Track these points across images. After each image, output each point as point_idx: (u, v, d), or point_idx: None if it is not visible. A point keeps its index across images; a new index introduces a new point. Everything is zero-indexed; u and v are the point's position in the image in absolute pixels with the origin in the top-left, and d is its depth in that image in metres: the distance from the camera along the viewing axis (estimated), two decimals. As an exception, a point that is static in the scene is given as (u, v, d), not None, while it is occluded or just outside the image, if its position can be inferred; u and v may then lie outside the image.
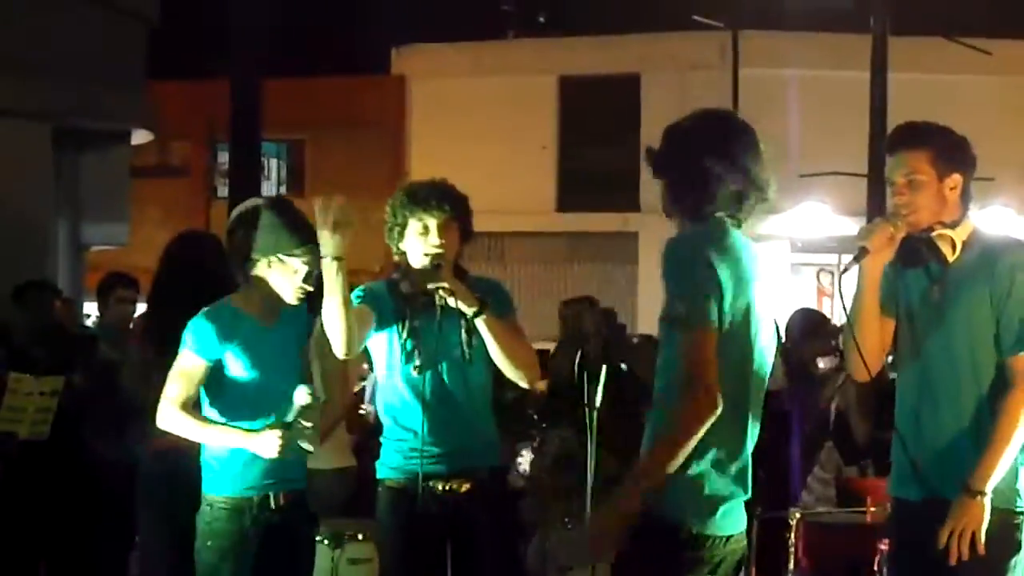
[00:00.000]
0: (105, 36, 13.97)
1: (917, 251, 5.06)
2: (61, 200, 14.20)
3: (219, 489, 5.86)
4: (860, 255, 5.00)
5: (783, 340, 8.96)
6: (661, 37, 29.25)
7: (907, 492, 5.11)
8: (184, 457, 6.16)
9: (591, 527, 5.00)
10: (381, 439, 5.88)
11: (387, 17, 29.87)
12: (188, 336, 5.82)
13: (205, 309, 5.89)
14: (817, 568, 7.85)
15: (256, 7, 15.10)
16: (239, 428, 5.76)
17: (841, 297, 5.21)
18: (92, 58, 13.64)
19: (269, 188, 26.87)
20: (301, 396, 5.67)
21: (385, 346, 5.78)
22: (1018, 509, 4.93)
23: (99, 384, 8.51)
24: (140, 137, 15.72)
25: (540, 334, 11.60)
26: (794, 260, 28.92)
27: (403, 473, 5.72)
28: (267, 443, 5.66)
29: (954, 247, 5.01)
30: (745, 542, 4.64)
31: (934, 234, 5.02)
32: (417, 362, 5.69)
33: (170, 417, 5.83)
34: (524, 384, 5.98)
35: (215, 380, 5.84)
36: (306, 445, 5.68)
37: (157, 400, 5.91)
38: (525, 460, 9.86)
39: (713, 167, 4.53)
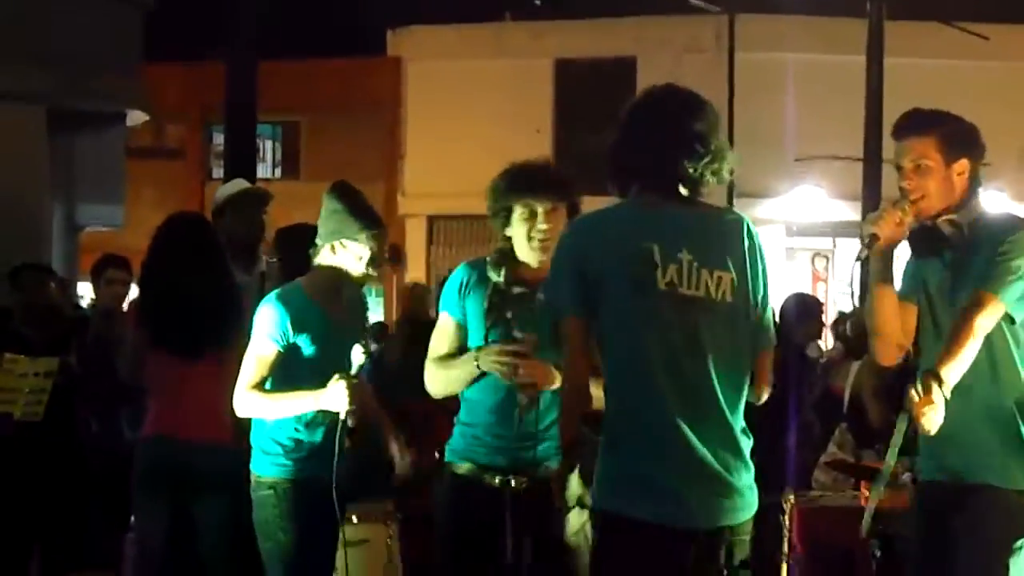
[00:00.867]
0: (100, 18, 13.93)
1: (928, 240, 5.08)
2: (56, 182, 14.15)
3: (280, 472, 5.94)
4: (870, 241, 5.00)
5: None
6: (657, 20, 29.20)
7: (931, 475, 5.13)
8: (177, 440, 6.16)
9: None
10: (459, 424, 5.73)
11: (383, -1, 29.84)
12: (263, 321, 5.86)
13: (277, 293, 5.94)
14: (812, 552, 7.85)
15: (252, -11, 15.04)
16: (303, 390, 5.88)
17: (851, 283, 5.23)
18: (87, 40, 13.60)
19: (264, 170, 26.81)
20: (357, 354, 5.88)
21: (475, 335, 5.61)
22: None
23: (93, 366, 8.52)
24: (135, 119, 15.67)
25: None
26: (789, 244, 28.90)
27: (470, 461, 5.59)
28: (336, 396, 5.78)
29: (962, 232, 5.02)
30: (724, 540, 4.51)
31: (940, 220, 5.03)
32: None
33: (246, 401, 5.93)
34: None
35: (283, 364, 5.96)
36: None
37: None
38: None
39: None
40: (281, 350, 5.91)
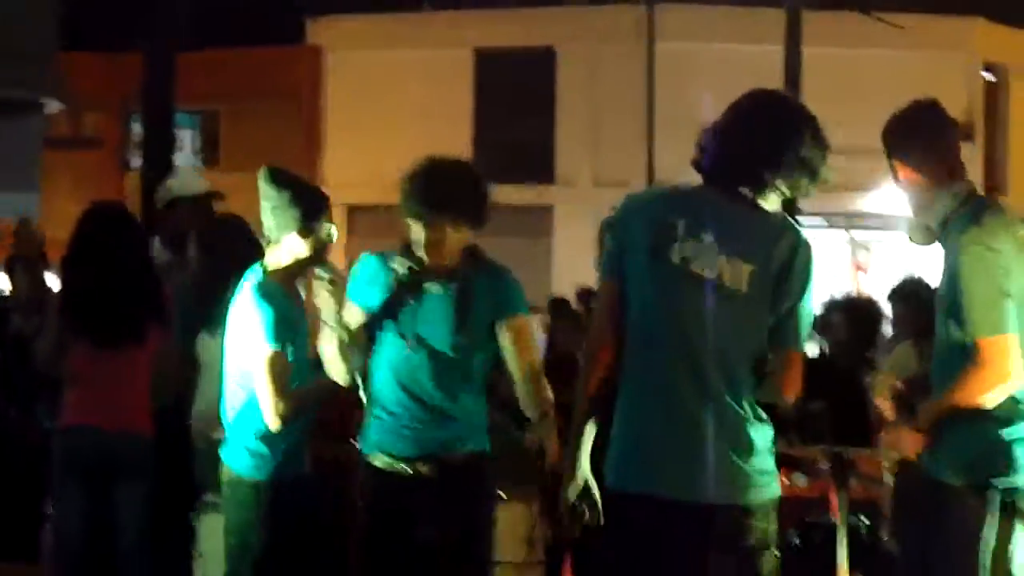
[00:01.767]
0: (15, 5, 13.82)
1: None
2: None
3: (262, 474, 5.85)
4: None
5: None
6: (576, 10, 29.26)
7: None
8: (95, 430, 6.13)
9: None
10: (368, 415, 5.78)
11: (302, -13, 29.73)
12: (264, 323, 5.76)
13: (262, 292, 5.83)
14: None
15: (170, -23, 14.96)
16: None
17: None
18: (1, 28, 13.49)
19: (183, 159, 26.65)
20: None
21: (374, 324, 5.69)
22: (999, 485, 4.99)
23: (11, 355, 8.46)
24: (50, 108, 15.58)
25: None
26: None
27: (381, 451, 5.65)
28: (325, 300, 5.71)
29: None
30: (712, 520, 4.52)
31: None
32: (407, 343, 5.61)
33: (288, 410, 5.79)
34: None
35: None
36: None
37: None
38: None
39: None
40: (288, 350, 5.84)
